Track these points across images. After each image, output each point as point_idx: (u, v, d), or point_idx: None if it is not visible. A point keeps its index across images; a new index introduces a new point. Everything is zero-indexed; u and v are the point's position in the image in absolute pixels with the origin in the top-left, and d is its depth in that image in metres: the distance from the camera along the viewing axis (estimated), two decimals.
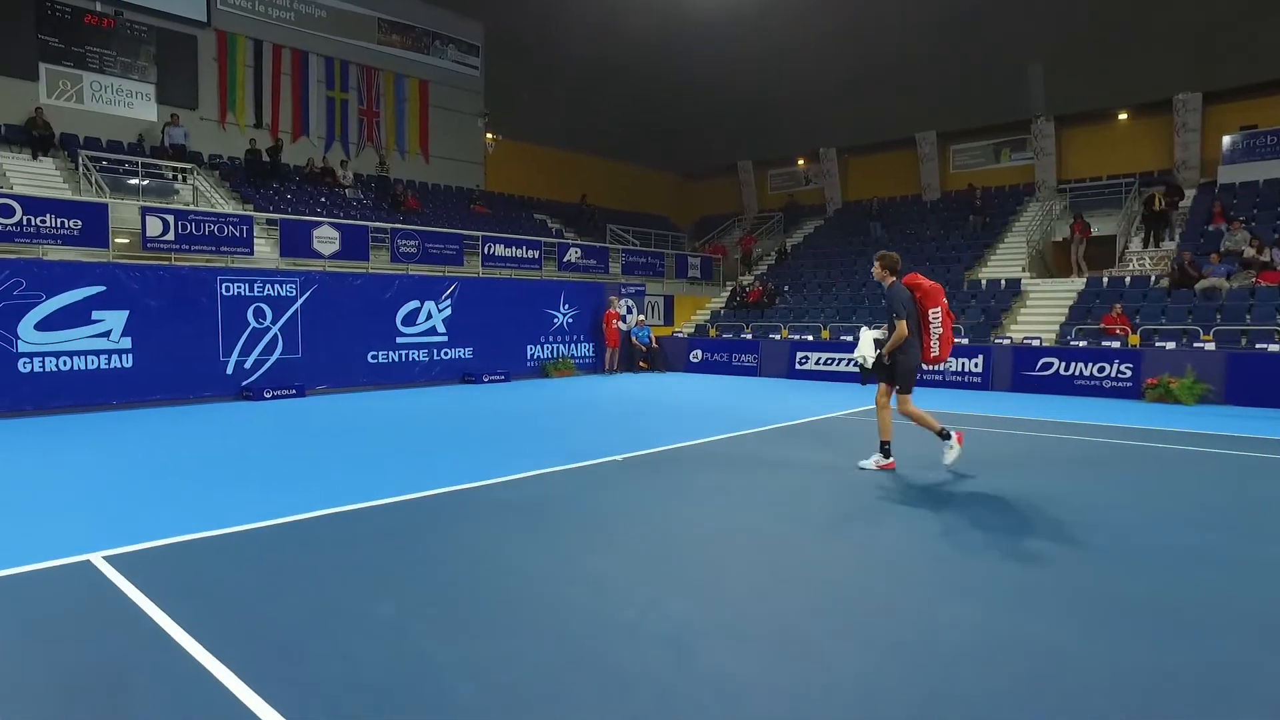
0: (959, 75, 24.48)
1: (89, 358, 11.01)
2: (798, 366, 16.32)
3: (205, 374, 12.00)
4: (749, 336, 18.50)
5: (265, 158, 20.01)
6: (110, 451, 8.12)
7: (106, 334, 11.15)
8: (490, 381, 14.98)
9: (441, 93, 24.81)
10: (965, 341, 15.78)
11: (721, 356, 17.57)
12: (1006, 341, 16.09)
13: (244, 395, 12.27)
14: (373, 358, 13.86)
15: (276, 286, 12.69)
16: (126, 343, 11.31)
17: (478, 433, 9.37)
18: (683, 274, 23.76)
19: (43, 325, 10.65)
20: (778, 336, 17.69)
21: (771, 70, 27.68)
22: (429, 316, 14.60)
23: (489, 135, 26.01)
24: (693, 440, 8.47)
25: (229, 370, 12.22)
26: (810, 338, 17.59)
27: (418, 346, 14.45)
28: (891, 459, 6.99)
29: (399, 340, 14.19)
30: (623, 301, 18.27)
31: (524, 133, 27.00)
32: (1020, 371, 13.71)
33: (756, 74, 28.00)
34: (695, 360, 18.01)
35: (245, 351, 12.36)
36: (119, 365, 11.25)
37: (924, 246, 23.14)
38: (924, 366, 7.13)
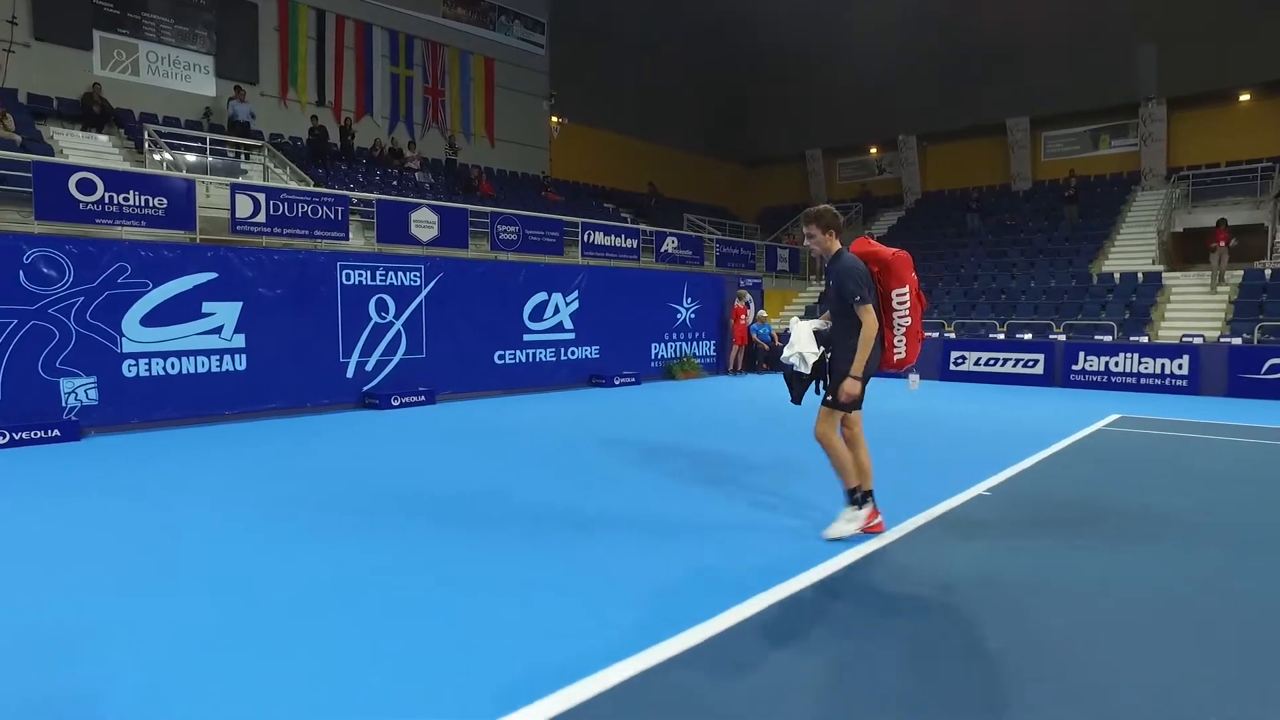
0: (1061, 56, 22.91)
1: (199, 359, 9.21)
2: (953, 367, 14.65)
3: (324, 378, 10.21)
4: None
5: (342, 137, 18.30)
6: (301, 504, 6.29)
7: (218, 330, 9.35)
8: (621, 384, 13.22)
9: (507, 72, 23.02)
10: (1108, 339, 14.19)
11: None
12: (1144, 339, 14.52)
13: (367, 402, 10.49)
14: (499, 358, 12.08)
15: (400, 274, 10.89)
16: (240, 340, 9.50)
17: (761, 463, 7.58)
18: (772, 266, 22.04)
19: (150, 320, 8.84)
20: (928, 334, 15.97)
21: (850, 54, 26.09)
22: (556, 310, 12.83)
23: (554, 118, 24.21)
24: (1001, 474, 6.71)
25: (349, 373, 10.43)
26: (951, 335, 15.95)
27: (544, 345, 12.69)
28: (875, 513, 4.75)
29: (526, 338, 12.42)
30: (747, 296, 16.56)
31: (587, 116, 25.23)
32: (1238, 374, 12.05)
33: (834, 58, 26.39)
34: None
35: (366, 351, 10.57)
36: (232, 368, 9.44)
37: (1031, 239, 21.53)
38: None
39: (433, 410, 10.42)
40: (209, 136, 15.24)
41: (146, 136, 14.33)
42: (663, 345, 14.65)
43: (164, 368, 8.95)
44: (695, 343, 15.48)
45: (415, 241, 14.01)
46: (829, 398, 4.55)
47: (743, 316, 16.10)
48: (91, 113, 15.13)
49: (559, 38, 24.40)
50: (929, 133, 26.54)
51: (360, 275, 10.53)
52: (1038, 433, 8.60)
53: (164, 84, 16.89)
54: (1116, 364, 13.02)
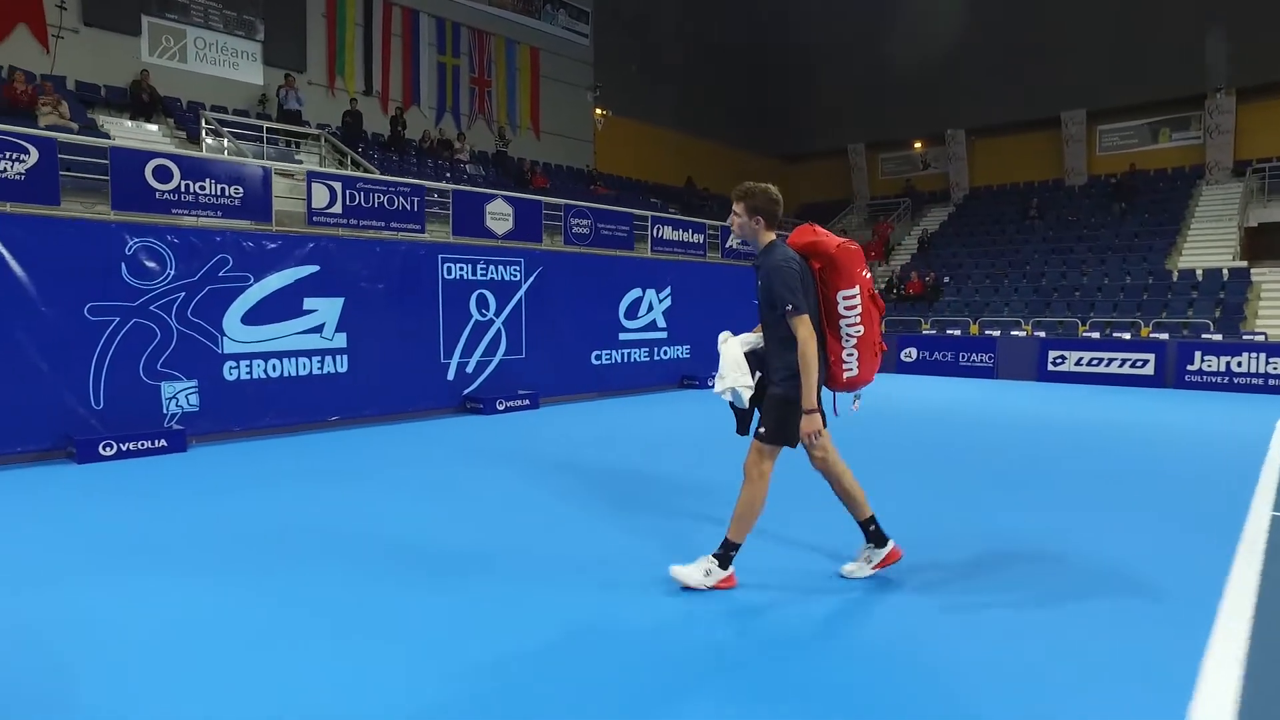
0: (1124, 46, 22.23)
1: (300, 360, 8.42)
2: (1051, 368, 13.93)
3: (425, 381, 9.44)
4: (954, 333, 16.12)
5: (393, 127, 17.56)
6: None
7: (319, 329, 8.56)
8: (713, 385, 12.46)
9: (552, 63, 22.25)
10: (1217, 338, 13.50)
11: (944, 355, 15.15)
12: (1260, 337, 13.85)
13: (469, 407, 9.71)
14: (596, 358, 11.32)
15: (500, 268, 10.13)
16: (341, 340, 8.72)
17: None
18: None
19: (250, 317, 8.06)
20: (1021, 333, 15.31)
21: (897, 46, 25.39)
22: (650, 308, 12.08)
23: (598, 111, 23.44)
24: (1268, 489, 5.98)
25: (450, 375, 9.65)
26: (1038, 332, 15.25)
27: (638, 344, 11.93)
28: (892, 546, 3.92)
29: (621, 336, 11.66)
30: None
31: (628, 109, 24.45)
32: None
33: (880, 50, 25.69)
34: (908, 360, 15.59)
35: (467, 351, 9.80)
36: (334, 370, 8.66)
37: (1097, 234, 20.85)
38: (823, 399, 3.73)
39: (539, 416, 9.66)
40: (265, 125, 14.46)
41: (204, 124, 13.55)
42: None
43: (265, 370, 8.17)
44: None
45: (490, 235, 13.25)
46: (762, 430, 3.60)
47: None
48: (140, 101, 14.36)
49: (601, 28, 23.66)
50: (978, 126, 25.84)
51: (461, 269, 9.76)
52: (1236, 439, 7.88)
53: (212, 71, 16.09)
54: (1239, 364, 12.34)
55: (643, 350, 12.01)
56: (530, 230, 13.93)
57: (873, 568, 3.88)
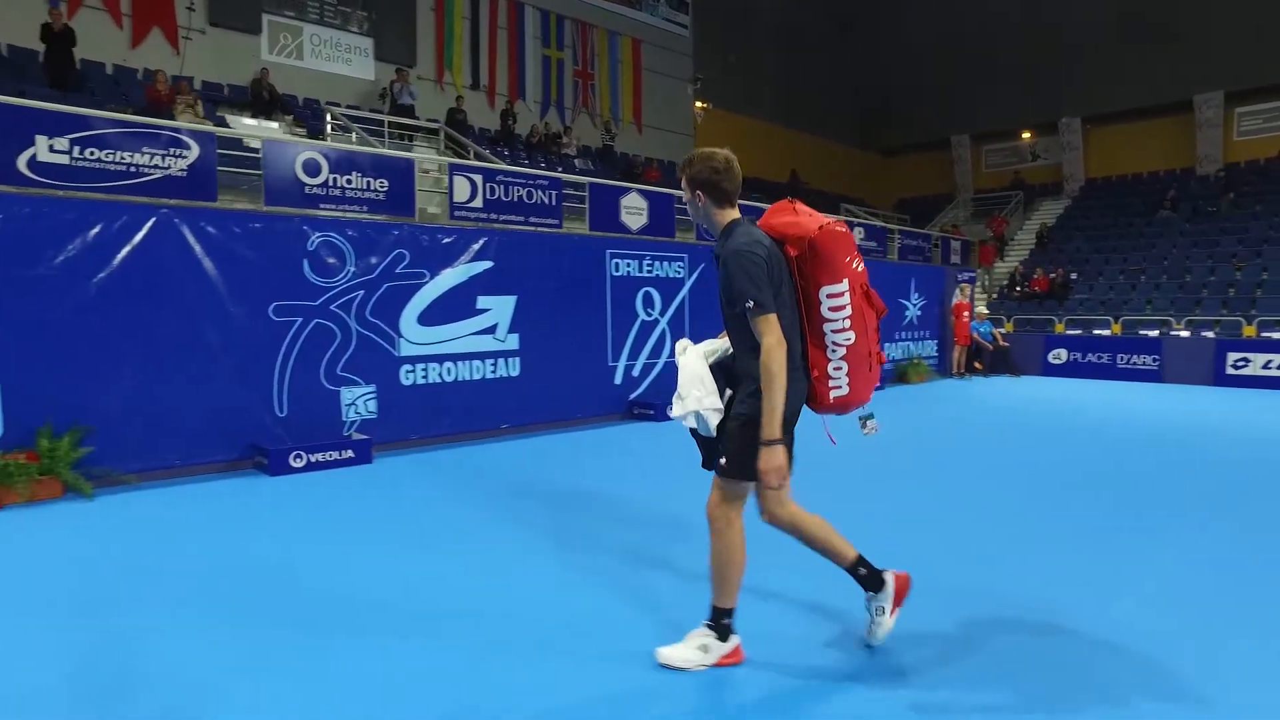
0: (1271, 16, 20.60)
1: (474, 364, 7.86)
2: (1230, 371, 12.73)
3: (593, 385, 8.83)
4: (1111, 332, 14.93)
5: (503, 121, 17.15)
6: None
7: (492, 329, 7.99)
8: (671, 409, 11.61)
9: (652, 55, 21.60)
10: None
11: (1099, 357, 14.02)
12: None
13: (635, 413, 9.06)
14: None
15: (665, 264, 9.46)
16: (514, 342, 8.14)
17: None
18: (945, 259, 20.21)
19: (426, 317, 7.52)
20: (1183, 333, 14.10)
21: (1007, 31, 24.16)
22: None
23: (698, 104, 22.70)
24: None
25: (617, 379, 9.01)
26: (1203, 333, 14.01)
27: None
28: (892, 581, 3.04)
29: None
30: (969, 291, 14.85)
31: (729, 101, 23.67)
32: None
33: (988, 36, 24.49)
34: (1056, 362, 14.49)
35: (633, 353, 9.16)
36: (506, 374, 8.08)
37: (1247, 226, 19.31)
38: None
39: None
40: (387, 119, 14.10)
41: (329, 119, 13.23)
42: (893, 345, 12.99)
43: (440, 374, 7.62)
44: (920, 342, 13.79)
45: (625, 229, 12.65)
46: (723, 462, 2.83)
47: (965, 313, 14.40)
48: (261, 98, 14.14)
49: (701, 18, 22.93)
50: (1096, 114, 24.37)
51: (628, 265, 9.12)
52: None
53: (326, 67, 15.84)
54: None
55: None
56: (663, 225, 13.28)
57: (891, 613, 3.01)
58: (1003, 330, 15.58)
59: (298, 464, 6.28)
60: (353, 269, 7.05)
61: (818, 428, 3.15)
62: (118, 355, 5.77)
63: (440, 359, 7.61)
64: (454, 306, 7.70)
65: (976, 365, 14.79)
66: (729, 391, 2.95)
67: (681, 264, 9.65)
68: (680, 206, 13.49)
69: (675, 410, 2.97)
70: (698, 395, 2.88)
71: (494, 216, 10.69)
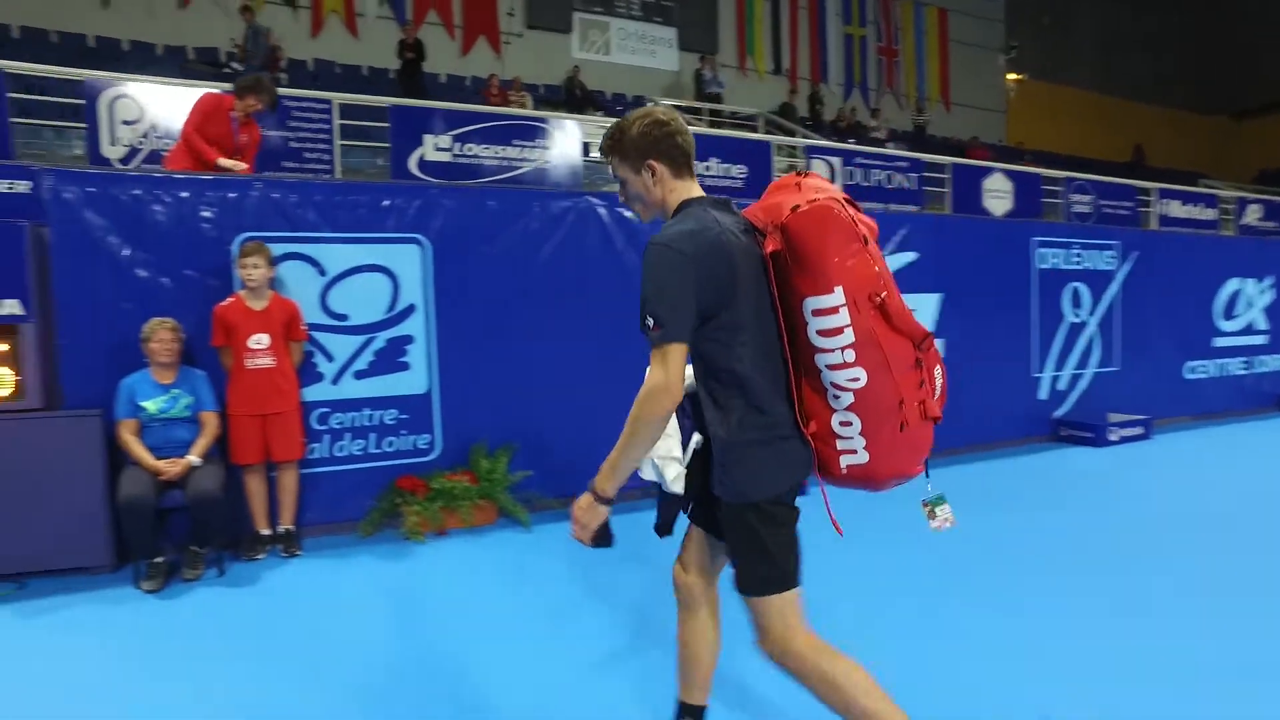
0: None
1: None
2: None
3: (1016, 401, 7.18)
4: None
5: (811, 106, 15.95)
6: None
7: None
8: None
9: (959, 25, 19.34)
10: None
11: None
12: None
13: (1063, 435, 7.31)
14: (1189, 371, 8.42)
15: (1093, 254, 7.61)
16: (940, 349, 6.74)
17: None
18: None
19: None
20: None
21: None
22: (1249, 305, 8.89)
23: (1010, 76, 20.04)
24: None
25: (1041, 393, 7.33)
26: None
27: (1233, 352, 8.82)
28: None
29: (1215, 342, 8.64)
30: None
31: (1046, 71, 20.71)
32: None
33: None
34: None
35: (1059, 362, 7.43)
36: None
37: None
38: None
39: (1156, 446, 7.03)
40: (707, 107, 13.39)
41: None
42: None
43: None
44: None
45: (985, 214, 10.92)
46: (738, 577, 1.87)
47: None
48: (574, 96, 13.96)
49: None
50: None
51: (1055, 256, 7.39)
52: None
53: (631, 61, 15.49)
54: None
55: (1239, 361, 8.83)
56: (1030, 208, 11.37)
57: None
58: None
59: None
60: None
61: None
62: (555, 362, 5.09)
63: None
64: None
65: None
66: (695, 437, 2.02)
67: (1113, 254, 7.73)
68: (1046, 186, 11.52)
69: (648, 467, 2.26)
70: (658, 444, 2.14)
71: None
